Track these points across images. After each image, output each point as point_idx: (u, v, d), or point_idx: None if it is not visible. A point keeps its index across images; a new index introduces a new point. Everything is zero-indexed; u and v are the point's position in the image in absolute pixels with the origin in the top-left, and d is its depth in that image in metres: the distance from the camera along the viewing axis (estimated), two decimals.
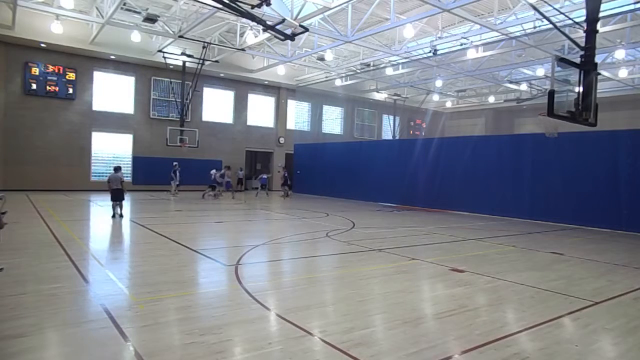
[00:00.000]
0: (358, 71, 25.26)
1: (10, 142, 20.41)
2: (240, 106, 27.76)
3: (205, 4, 14.31)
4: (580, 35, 10.39)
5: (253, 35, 19.34)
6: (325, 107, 32.10)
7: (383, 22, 18.16)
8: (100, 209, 14.88)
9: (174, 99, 23.79)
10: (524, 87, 26.92)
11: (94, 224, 11.91)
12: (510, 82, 26.37)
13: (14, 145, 20.50)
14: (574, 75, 8.34)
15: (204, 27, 19.14)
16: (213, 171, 21.58)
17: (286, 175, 24.31)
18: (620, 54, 19.27)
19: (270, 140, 29.28)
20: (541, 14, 10.72)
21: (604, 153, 13.72)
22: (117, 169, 12.84)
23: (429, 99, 33.38)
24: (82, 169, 22.47)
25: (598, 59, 10.19)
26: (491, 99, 31.56)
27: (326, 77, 26.89)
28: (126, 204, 13.99)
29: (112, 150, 23.63)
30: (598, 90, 8.63)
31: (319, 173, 25.15)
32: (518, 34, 17.18)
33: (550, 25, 10.79)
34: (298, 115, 30.99)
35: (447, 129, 36.14)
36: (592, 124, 8.49)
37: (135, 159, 23.85)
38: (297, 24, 15.11)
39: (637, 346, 4.25)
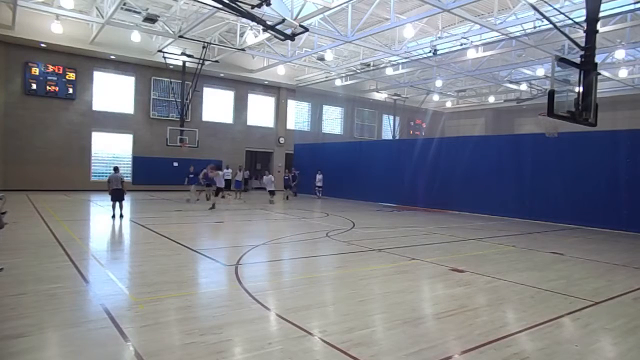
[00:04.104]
0: (358, 71, 25.25)
1: (10, 142, 20.42)
2: (240, 106, 27.77)
3: (205, 4, 14.31)
4: (580, 35, 10.39)
5: (253, 35, 19.34)
6: (325, 107, 32.11)
7: (383, 22, 18.15)
8: (100, 209, 14.88)
9: (174, 99, 23.80)
10: (524, 87, 26.92)
11: (94, 224, 11.91)
12: (510, 82, 26.37)
13: (14, 145, 20.50)
14: (574, 75, 8.34)
15: (204, 27, 19.14)
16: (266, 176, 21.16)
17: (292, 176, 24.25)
18: (620, 54, 19.28)
19: (270, 140, 29.28)
20: (541, 14, 10.73)
21: (604, 153, 13.72)
22: (117, 169, 12.85)
23: (429, 99, 33.40)
24: (82, 169, 22.48)
25: (598, 59, 10.18)
26: (491, 99, 31.56)
27: (326, 77, 26.88)
28: (126, 204, 13.98)
29: (112, 150, 23.65)
30: (598, 90, 8.64)
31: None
32: (518, 34, 17.19)
33: (550, 25, 10.80)
34: (298, 115, 30.98)
35: (447, 129, 36.14)
36: (592, 124, 8.49)
37: (135, 159, 23.86)
38: (297, 24, 15.11)
39: (637, 346, 4.25)
